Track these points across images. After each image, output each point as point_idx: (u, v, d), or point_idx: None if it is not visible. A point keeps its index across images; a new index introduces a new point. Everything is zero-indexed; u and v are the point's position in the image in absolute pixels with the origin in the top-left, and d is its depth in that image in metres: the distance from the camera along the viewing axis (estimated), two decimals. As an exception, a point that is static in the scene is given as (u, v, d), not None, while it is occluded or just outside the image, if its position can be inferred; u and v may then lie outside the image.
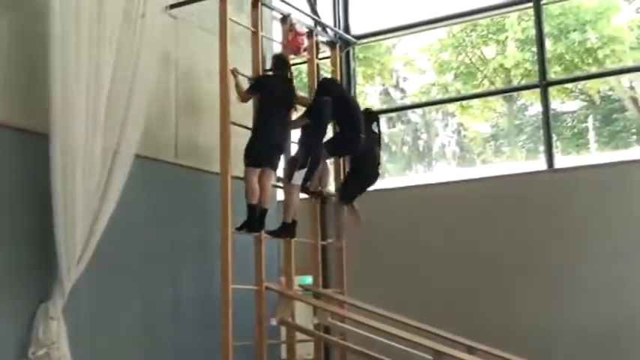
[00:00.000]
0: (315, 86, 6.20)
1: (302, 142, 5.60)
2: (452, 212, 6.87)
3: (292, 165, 5.50)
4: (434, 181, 7.81)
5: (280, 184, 6.10)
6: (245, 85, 5.43)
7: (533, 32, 7.58)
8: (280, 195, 6.19)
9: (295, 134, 5.83)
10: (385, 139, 8.00)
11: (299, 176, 5.44)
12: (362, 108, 6.49)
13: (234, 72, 5.34)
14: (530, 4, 7.17)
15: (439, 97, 9.47)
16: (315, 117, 5.57)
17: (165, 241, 5.28)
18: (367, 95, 9.93)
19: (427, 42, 9.38)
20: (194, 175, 5.56)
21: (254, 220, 5.25)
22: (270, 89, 5.43)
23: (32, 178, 4.27)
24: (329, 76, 6.87)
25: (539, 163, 7.20)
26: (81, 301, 4.35)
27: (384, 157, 8.18)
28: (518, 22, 9.04)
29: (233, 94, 5.28)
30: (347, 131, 5.84)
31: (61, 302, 4.20)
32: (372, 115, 6.35)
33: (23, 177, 4.28)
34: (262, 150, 5.33)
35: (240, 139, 5.34)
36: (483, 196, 6.79)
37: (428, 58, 9.58)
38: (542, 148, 7.21)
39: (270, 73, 5.60)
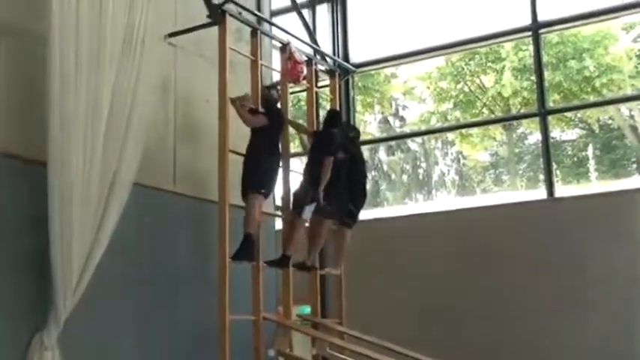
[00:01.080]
0: (315, 114, 6.34)
1: (309, 174, 5.59)
2: (452, 241, 6.95)
3: (303, 199, 5.47)
4: (433, 210, 7.91)
5: (279, 213, 6.16)
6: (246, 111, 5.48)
7: (530, 61, 7.71)
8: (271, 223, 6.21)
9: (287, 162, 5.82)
10: (384, 167, 7.97)
11: (309, 211, 5.44)
12: (349, 126, 6.58)
13: (234, 100, 5.34)
14: (529, 33, 7.32)
15: (438, 125, 9.58)
16: (323, 149, 5.58)
17: (162, 270, 5.27)
18: (366, 124, 9.97)
19: (426, 70, 9.47)
20: (192, 204, 5.57)
21: (251, 249, 5.26)
22: (278, 116, 5.57)
23: (28, 206, 4.28)
24: (328, 104, 6.93)
25: (540, 192, 7.24)
26: (76, 330, 4.30)
27: (382, 185, 8.16)
28: (515, 52, 9.16)
29: (232, 123, 5.31)
30: (339, 192, 5.67)
31: (56, 332, 4.16)
32: (357, 136, 6.28)
33: (19, 204, 4.28)
34: (272, 177, 5.42)
35: (239, 166, 5.37)
36: (483, 226, 6.84)
37: (427, 86, 9.68)
38: (542, 176, 7.25)
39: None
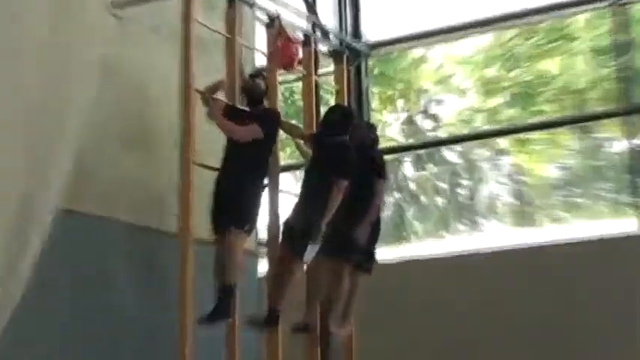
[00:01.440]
0: (314, 112, 6.36)
1: (311, 198, 5.62)
2: (505, 290, 6.90)
3: (302, 233, 5.52)
4: (480, 248, 7.83)
5: (263, 251, 6.31)
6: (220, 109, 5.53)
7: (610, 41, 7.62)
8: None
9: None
10: (411, 186, 7.83)
11: (311, 252, 5.55)
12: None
13: (204, 94, 5.40)
14: (609, 2, 7.43)
15: (486, 128, 9.45)
16: (333, 168, 5.59)
17: (100, 326, 5.25)
18: (386, 125, 9.75)
19: (468, 52, 9.41)
20: (142, 237, 5.60)
21: (228, 304, 5.31)
22: (272, 119, 5.60)
23: None
24: (332, 99, 6.94)
25: (630, 223, 7.24)
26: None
27: (409, 211, 8.06)
28: (591, 28, 9.16)
29: (199, 124, 5.33)
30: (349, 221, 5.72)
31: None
32: (377, 140, 6.30)
33: None
34: (257, 205, 5.46)
35: (209, 186, 5.40)
36: (551, 269, 6.82)
37: (469, 74, 9.62)
38: (630, 199, 7.29)
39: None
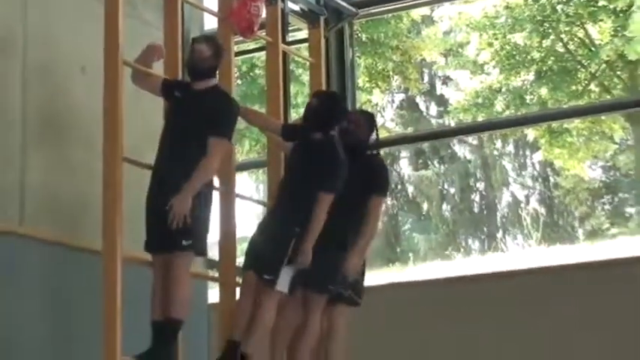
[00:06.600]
0: (282, 91, 6.47)
1: (292, 208, 5.69)
2: (534, 324, 7.06)
3: (275, 253, 5.60)
4: (501, 270, 7.96)
5: (215, 276, 6.39)
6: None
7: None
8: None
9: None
10: (409, 190, 7.95)
11: (286, 277, 5.60)
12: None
13: (137, 69, 5.48)
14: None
15: (508, 114, 9.42)
16: (318, 176, 5.68)
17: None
18: (377, 109, 9.82)
19: (486, 12, 9.31)
20: (55, 254, 5.62)
21: (170, 346, 5.37)
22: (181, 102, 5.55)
23: None
24: (306, 75, 7.21)
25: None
26: None
27: (406, 222, 8.45)
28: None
29: (129, 107, 5.39)
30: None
31: None
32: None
33: None
34: (209, 215, 5.48)
35: (142, 189, 5.44)
36: (592, 299, 6.92)
37: (488, 41, 9.54)
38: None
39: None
